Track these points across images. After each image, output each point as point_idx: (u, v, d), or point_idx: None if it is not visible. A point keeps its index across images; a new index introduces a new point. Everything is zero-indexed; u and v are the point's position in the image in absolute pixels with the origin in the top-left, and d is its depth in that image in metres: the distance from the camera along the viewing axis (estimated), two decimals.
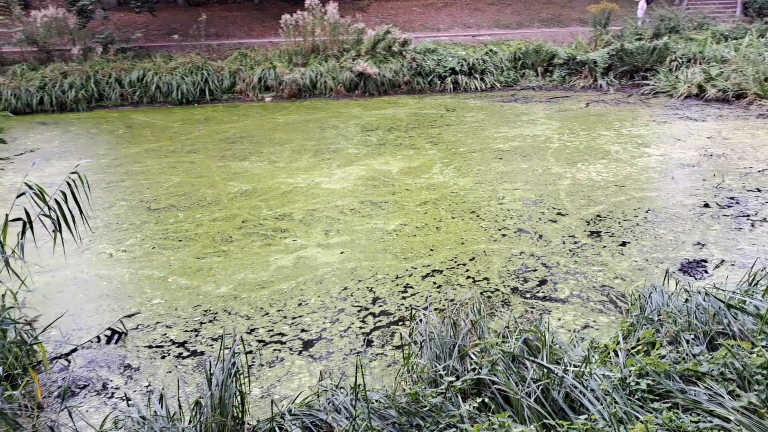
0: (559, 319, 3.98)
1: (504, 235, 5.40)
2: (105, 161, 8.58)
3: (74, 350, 3.84)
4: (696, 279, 4.44)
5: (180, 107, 12.87)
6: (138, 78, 13.18)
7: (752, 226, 5.38)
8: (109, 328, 4.06)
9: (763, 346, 2.48)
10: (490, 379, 2.57)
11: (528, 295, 4.32)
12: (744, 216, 5.61)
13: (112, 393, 3.42)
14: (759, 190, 6.25)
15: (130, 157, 8.74)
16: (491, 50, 14.07)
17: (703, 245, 5.02)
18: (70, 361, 3.71)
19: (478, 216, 5.89)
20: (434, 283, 4.57)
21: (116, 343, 3.92)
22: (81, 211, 3.24)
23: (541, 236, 5.34)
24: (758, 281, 3.61)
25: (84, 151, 9.24)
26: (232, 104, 13.01)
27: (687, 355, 2.60)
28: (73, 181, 3.15)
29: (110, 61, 13.89)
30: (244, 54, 14.40)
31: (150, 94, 13.09)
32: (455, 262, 4.91)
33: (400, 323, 4.01)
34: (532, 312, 4.08)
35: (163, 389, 3.17)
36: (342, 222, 5.88)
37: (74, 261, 5.19)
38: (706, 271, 4.57)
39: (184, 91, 13.08)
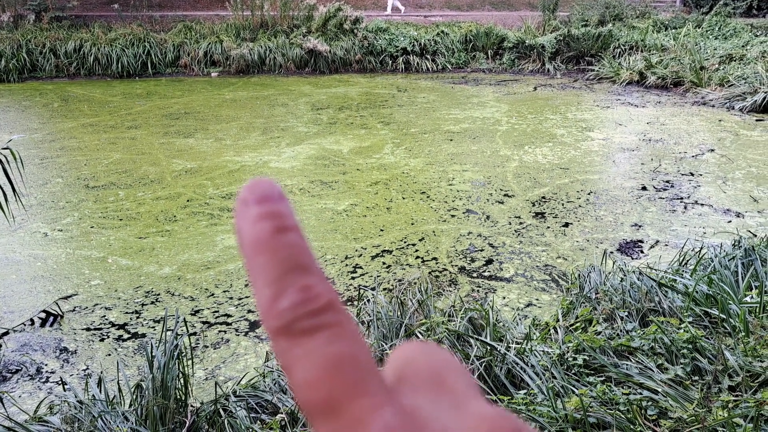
0: (504, 298, 4.09)
1: (453, 216, 5.48)
2: (38, 136, 8.11)
3: (5, 333, 3.65)
4: (632, 259, 4.65)
5: (120, 80, 12.29)
6: (75, 49, 12.46)
7: (685, 208, 5.66)
8: (44, 311, 3.88)
9: (689, 322, 2.64)
10: None
11: (475, 275, 4.42)
12: (678, 199, 5.90)
13: (47, 377, 3.28)
14: (692, 174, 6.58)
15: (66, 132, 8.30)
16: (443, 31, 14.08)
17: (640, 226, 5.25)
18: (0, 345, 3.53)
19: (428, 197, 5.95)
20: (384, 263, 4.59)
21: (51, 326, 3.76)
22: (13, 188, 3.06)
23: (488, 217, 5.45)
24: (688, 261, 3.82)
25: (15, 125, 8.71)
26: (176, 78, 12.52)
27: (621, 331, 2.73)
28: (5, 157, 2.96)
29: (44, 30, 13.05)
30: (189, 27, 13.83)
31: (88, 66, 12.41)
32: (405, 242, 4.95)
33: (349, 303, 4.02)
34: (478, 291, 4.18)
35: (101, 373, 3.06)
36: (291, 202, 5.80)
37: (5, 240, 4.91)
38: (642, 251, 4.79)
39: (125, 63, 12.47)
